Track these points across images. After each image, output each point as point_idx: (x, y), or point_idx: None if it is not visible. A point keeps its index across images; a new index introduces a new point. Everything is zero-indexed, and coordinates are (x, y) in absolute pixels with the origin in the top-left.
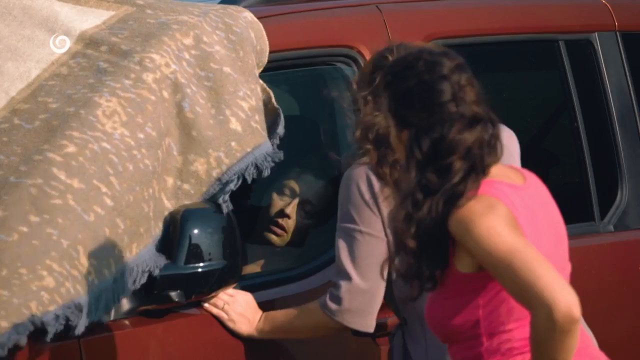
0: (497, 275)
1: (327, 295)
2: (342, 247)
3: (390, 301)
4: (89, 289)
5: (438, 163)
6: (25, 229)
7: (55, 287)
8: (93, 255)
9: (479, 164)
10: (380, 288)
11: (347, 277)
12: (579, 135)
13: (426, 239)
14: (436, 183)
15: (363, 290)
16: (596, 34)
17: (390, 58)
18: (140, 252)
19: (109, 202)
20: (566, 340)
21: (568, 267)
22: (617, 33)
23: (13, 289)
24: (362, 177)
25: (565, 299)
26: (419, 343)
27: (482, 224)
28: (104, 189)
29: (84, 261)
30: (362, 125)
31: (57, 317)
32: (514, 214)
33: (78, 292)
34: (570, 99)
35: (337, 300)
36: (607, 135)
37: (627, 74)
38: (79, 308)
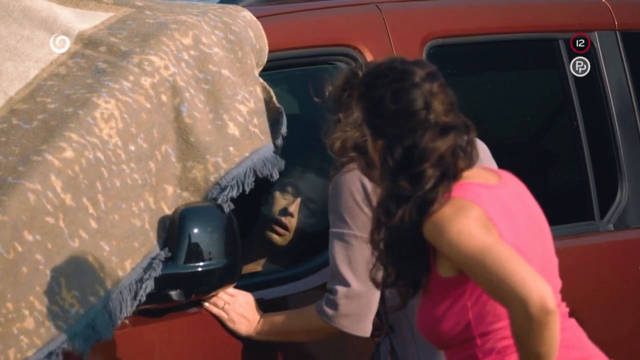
0: (473, 276)
1: (324, 301)
2: (337, 252)
3: (380, 308)
4: (72, 322)
5: (410, 171)
6: (19, 249)
7: (34, 328)
8: (75, 286)
9: (452, 170)
10: (376, 292)
11: (344, 282)
12: (579, 134)
13: (399, 247)
14: (408, 190)
15: (359, 295)
16: (596, 33)
17: (360, 74)
18: (138, 265)
19: (93, 224)
20: (545, 333)
21: (554, 261)
22: (617, 32)
23: None
24: (353, 182)
25: (537, 292)
26: (410, 348)
27: (453, 227)
28: (91, 210)
29: (65, 294)
30: (338, 140)
31: None
32: (487, 213)
33: (59, 328)
34: (570, 98)
35: (334, 305)
36: (607, 134)
37: (627, 73)
38: (55, 353)
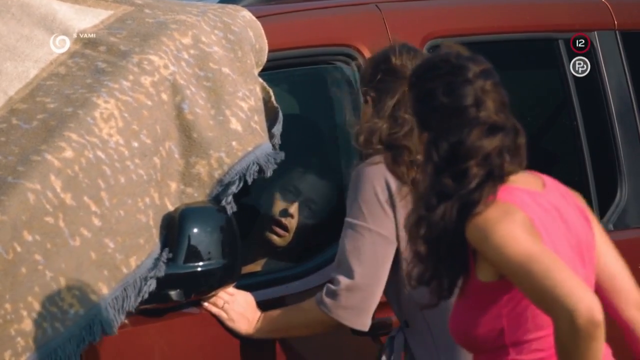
0: (517, 283)
1: (324, 290)
2: (347, 242)
3: (392, 302)
4: (70, 324)
5: (455, 168)
6: (19, 249)
7: (31, 330)
8: (76, 286)
9: (497, 171)
10: (379, 288)
11: (348, 273)
12: (579, 134)
13: (438, 245)
14: (451, 187)
15: (362, 289)
16: (596, 32)
17: (394, 60)
18: (143, 263)
19: (96, 222)
20: (592, 345)
21: (592, 271)
22: (617, 32)
23: None
24: (378, 177)
25: (586, 304)
26: (427, 347)
27: (498, 231)
28: (94, 207)
29: (65, 294)
30: (364, 131)
31: None
32: (531, 220)
33: (56, 331)
34: (570, 98)
35: (334, 295)
36: (607, 134)
37: (627, 73)
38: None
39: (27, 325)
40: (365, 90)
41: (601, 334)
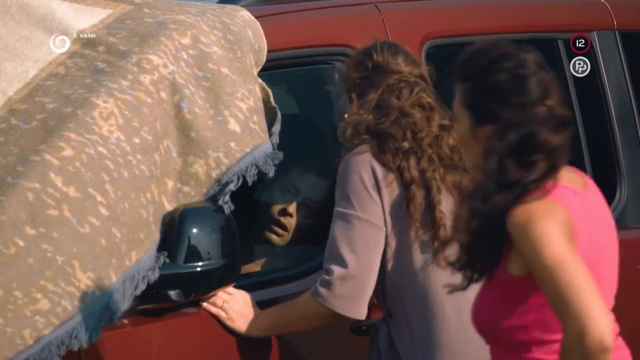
0: (540, 283)
1: (318, 281)
2: (338, 231)
3: (377, 291)
4: (90, 303)
5: (522, 158)
6: (21, 243)
7: (50, 308)
8: (90, 268)
9: (558, 165)
10: (373, 275)
11: (341, 263)
12: (578, 135)
13: (484, 234)
14: (516, 176)
15: (355, 276)
16: (595, 33)
17: (376, 56)
18: (141, 259)
19: (104, 211)
20: None
21: (616, 274)
22: (616, 32)
23: (8, 316)
24: (364, 165)
25: (599, 326)
26: (405, 337)
27: (537, 227)
28: (99, 198)
29: (80, 276)
30: (350, 124)
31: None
32: (573, 221)
33: (77, 308)
34: (570, 98)
35: (328, 285)
36: (606, 135)
37: (626, 73)
38: (76, 330)
39: (44, 304)
40: (349, 89)
41: (607, 358)
